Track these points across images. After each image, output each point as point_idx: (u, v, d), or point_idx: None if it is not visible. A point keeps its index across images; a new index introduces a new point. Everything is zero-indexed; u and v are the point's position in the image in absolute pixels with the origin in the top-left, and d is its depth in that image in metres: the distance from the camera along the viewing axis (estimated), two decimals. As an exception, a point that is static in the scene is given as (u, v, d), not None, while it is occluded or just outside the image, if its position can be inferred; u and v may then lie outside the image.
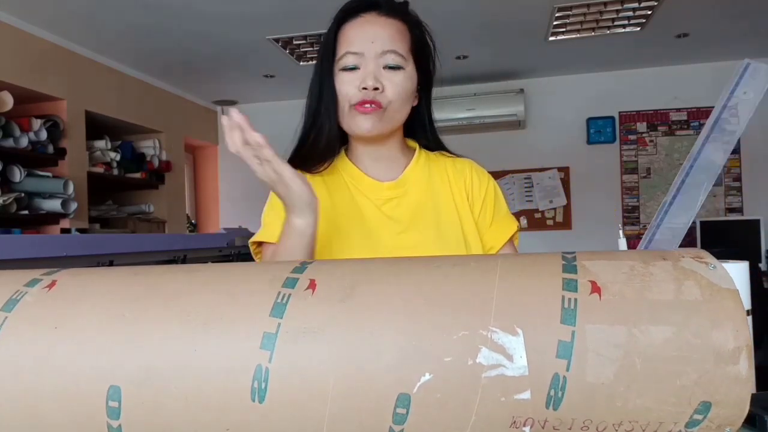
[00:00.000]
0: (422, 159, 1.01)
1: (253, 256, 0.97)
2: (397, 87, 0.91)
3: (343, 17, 0.94)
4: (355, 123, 0.92)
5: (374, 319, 0.42)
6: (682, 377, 0.37)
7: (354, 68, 0.90)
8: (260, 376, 0.40)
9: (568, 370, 0.38)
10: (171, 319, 0.43)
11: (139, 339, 0.43)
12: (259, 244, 0.95)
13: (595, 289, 0.41)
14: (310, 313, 0.42)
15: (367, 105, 0.90)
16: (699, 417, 0.38)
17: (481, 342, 0.39)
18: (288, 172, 0.76)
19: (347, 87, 0.91)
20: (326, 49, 0.94)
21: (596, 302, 0.40)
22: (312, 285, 0.44)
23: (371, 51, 0.90)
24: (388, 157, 0.99)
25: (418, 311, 0.42)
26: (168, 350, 0.42)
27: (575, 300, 0.40)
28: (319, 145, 0.94)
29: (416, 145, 1.03)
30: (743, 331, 0.38)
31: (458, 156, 1.05)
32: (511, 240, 1.00)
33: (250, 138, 0.74)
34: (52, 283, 0.47)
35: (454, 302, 0.42)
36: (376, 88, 0.89)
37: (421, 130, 1.03)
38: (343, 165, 0.99)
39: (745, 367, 0.37)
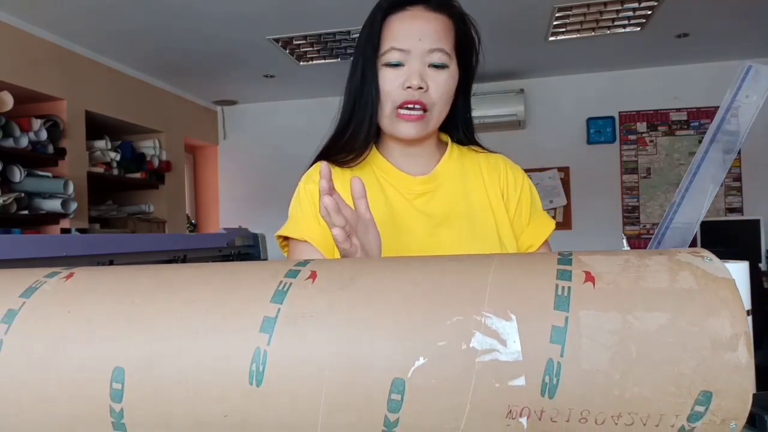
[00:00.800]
0: (455, 153, 0.99)
1: (280, 249, 0.96)
2: (441, 87, 0.89)
3: (389, 8, 0.90)
4: (397, 128, 0.90)
5: (371, 305, 0.42)
6: (680, 365, 0.37)
7: (398, 65, 0.88)
8: (258, 359, 0.41)
9: (562, 355, 0.38)
10: (176, 306, 0.45)
11: (145, 323, 0.44)
12: (286, 237, 0.93)
13: (589, 278, 0.41)
14: (310, 299, 0.43)
15: (410, 106, 0.88)
16: (701, 409, 0.37)
17: (475, 327, 0.39)
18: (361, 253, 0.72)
19: (390, 85, 0.88)
20: (369, 41, 0.90)
21: (590, 290, 0.40)
22: (313, 275, 0.46)
23: (418, 49, 0.87)
24: (422, 154, 0.97)
25: (414, 299, 0.42)
26: (171, 334, 0.43)
27: (569, 288, 0.40)
28: (357, 139, 0.92)
29: (448, 139, 1.01)
30: (740, 318, 0.37)
31: (491, 151, 1.03)
32: (547, 239, 0.98)
33: (345, 215, 0.69)
34: (70, 275, 0.50)
35: (449, 290, 0.42)
36: (420, 88, 0.87)
37: (454, 125, 1.01)
38: (373, 158, 0.96)
39: (744, 355, 0.37)
